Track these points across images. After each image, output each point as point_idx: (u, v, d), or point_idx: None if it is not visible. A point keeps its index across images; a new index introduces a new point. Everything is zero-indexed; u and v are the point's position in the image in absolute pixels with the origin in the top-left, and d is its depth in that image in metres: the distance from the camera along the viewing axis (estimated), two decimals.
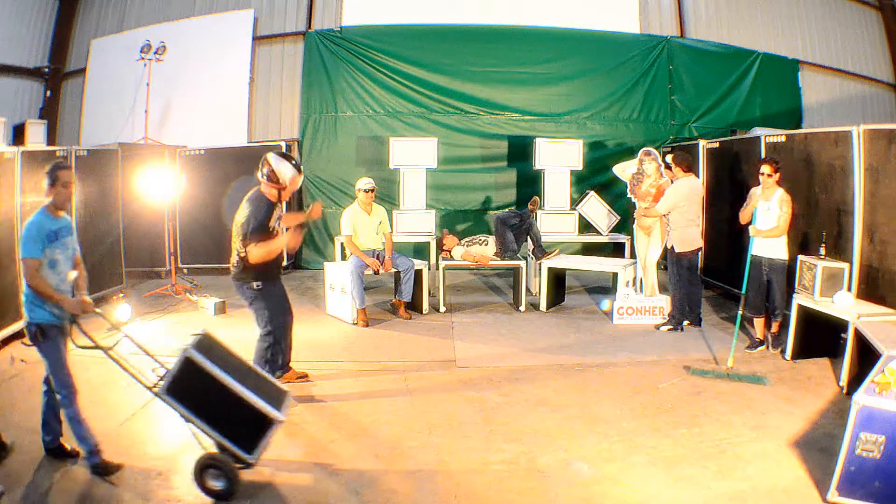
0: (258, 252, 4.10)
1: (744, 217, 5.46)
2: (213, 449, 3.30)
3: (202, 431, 3.27)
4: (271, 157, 4.28)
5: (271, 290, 4.35)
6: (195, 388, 3.27)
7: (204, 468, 3.20)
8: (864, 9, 10.95)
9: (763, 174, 5.28)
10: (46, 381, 3.57)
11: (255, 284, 4.23)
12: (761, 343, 5.55)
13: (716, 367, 5.09)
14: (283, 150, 8.74)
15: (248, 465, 3.30)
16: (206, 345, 3.44)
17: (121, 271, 7.59)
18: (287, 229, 4.40)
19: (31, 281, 3.37)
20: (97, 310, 3.59)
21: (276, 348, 4.39)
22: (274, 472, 3.46)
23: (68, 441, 3.59)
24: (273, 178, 4.23)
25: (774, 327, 5.62)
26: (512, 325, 6.34)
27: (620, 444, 3.76)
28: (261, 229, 4.14)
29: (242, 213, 4.19)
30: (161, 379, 3.32)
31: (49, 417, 3.60)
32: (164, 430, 4.01)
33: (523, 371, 5.04)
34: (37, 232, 3.40)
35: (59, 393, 3.43)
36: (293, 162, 4.30)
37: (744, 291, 5.42)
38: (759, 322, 5.59)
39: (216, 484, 3.19)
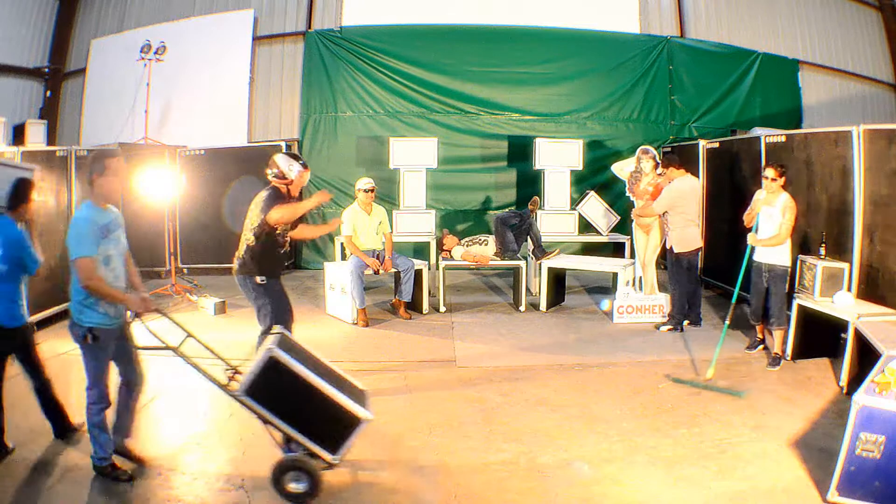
0: (279, 213, 4.14)
1: (748, 221, 5.26)
2: (281, 447, 3.23)
3: (282, 432, 3.17)
4: (278, 157, 4.36)
5: (274, 287, 4.36)
6: (277, 389, 3.14)
7: (284, 471, 3.11)
8: (864, 9, 10.95)
9: (767, 178, 5.04)
10: (126, 384, 3.49)
11: (258, 279, 4.25)
12: (762, 342, 5.44)
13: (695, 376, 4.87)
14: (284, 149, 8.76)
15: (331, 466, 3.20)
16: (288, 343, 3.33)
17: None
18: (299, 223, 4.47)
19: (88, 282, 3.15)
20: (159, 308, 3.44)
21: None
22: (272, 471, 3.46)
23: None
24: (281, 175, 4.30)
25: (769, 339, 5.31)
26: (512, 325, 6.34)
27: (620, 444, 3.76)
28: (278, 203, 4.20)
29: (257, 203, 4.26)
30: (231, 380, 3.27)
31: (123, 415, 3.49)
32: (164, 430, 4.01)
33: (523, 371, 5.04)
34: (88, 228, 3.15)
35: (94, 402, 3.29)
36: (301, 161, 4.37)
37: (734, 300, 5.27)
38: (760, 328, 5.46)
39: (298, 486, 3.11)
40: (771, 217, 5.06)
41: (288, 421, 3.13)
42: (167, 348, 3.34)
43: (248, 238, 4.27)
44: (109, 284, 3.23)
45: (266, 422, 3.17)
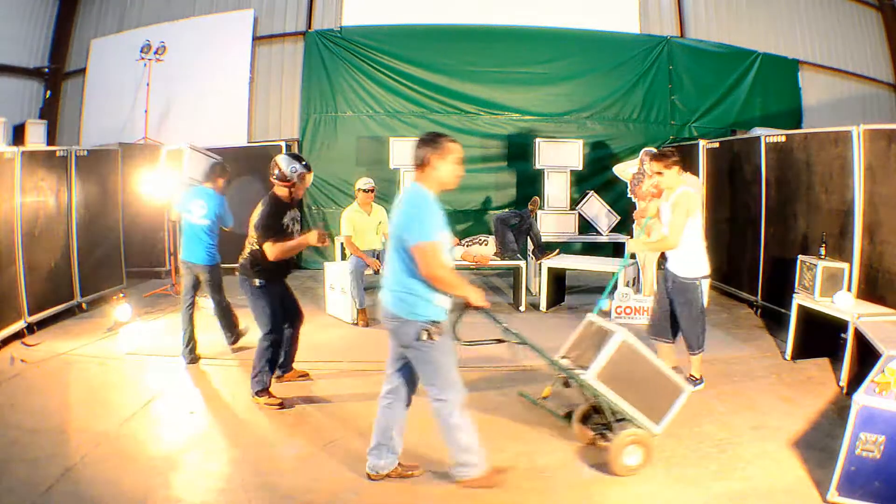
0: (274, 250, 4.12)
1: (638, 218, 4.48)
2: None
3: (618, 410, 3.37)
4: (280, 158, 4.31)
5: (275, 290, 4.35)
6: (621, 371, 3.34)
7: (623, 447, 3.32)
8: (864, 9, 10.95)
9: (653, 173, 4.37)
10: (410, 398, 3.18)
11: (256, 282, 4.24)
12: (693, 383, 4.46)
13: (538, 397, 4.25)
14: (284, 149, 8.76)
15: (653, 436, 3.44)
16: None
17: (121, 271, 7.59)
18: (301, 231, 4.43)
19: (435, 270, 2.82)
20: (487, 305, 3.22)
21: (278, 348, 4.39)
22: (272, 471, 3.46)
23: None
24: (283, 177, 4.25)
25: (693, 366, 4.53)
26: (512, 325, 6.28)
27: None
28: (275, 227, 4.17)
29: (257, 214, 4.25)
30: (569, 366, 3.49)
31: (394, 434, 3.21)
32: (164, 430, 4.01)
33: (523, 371, 5.04)
34: (433, 210, 2.85)
35: (443, 399, 3.03)
36: (303, 162, 4.34)
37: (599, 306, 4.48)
38: (662, 348, 4.53)
39: (632, 461, 3.35)
40: (666, 215, 4.37)
41: (628, 399, 3.36)
42: (500, 342, 3.68)
43: (252, 245, 4.26)
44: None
45: (608, 405, 3.35)
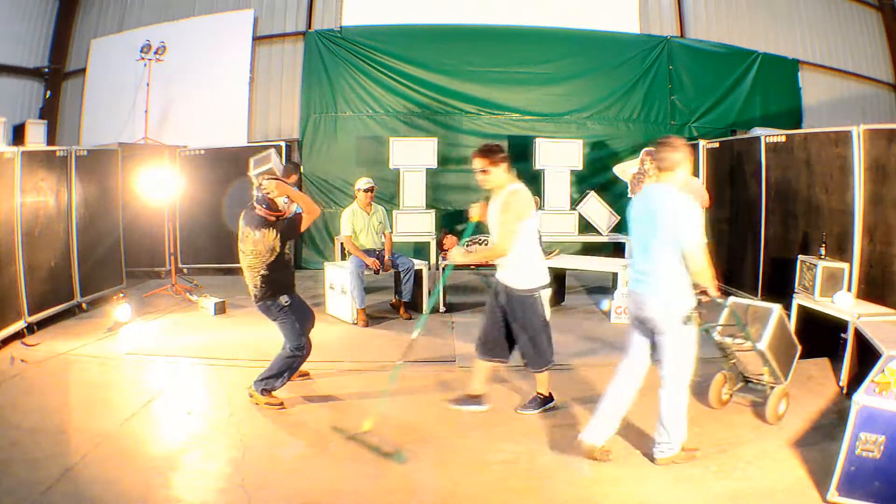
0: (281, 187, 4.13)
1: (473, 218, 4.03)
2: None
3: (776, 371, 4.01)
4: (270, 184, 4.13)
5: (296, 301, 4.35)
6: (779, 340, 4.06)
7: (777, 400, 3.98)
8: (863, 9, 10.95)
9: (476, 171, 3.87)
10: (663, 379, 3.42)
11: (283, 300, 4.20)
12: (473, 400, 4.07)
13: (356, 430, 3.86)
14: (284, 149, 8.76)
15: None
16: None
17: (121, 271, 7.59)
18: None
19: (705, 264, 3.23)
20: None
21: (302, 359, 4.37)
22: (272, 471, 3.47)
23: None
24: (276, 209, 4.15)
25: (539, 384, 4.11)
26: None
27: (620, 444, 3.76)
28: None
29: (253, 234, 4.14)
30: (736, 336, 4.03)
31: None
32: (164, 430, 4.01)
33: (523, 371, 5.03)
34: (698, 212, 3.25)
35: (680, 378, 3.37)
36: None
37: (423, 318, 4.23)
38: (480, 366, 4.14)
39: (781, 409, 4.00)
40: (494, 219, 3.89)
41: (778, 361, 4.01)
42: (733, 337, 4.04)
43: (258, 270, 4.15)
44: None
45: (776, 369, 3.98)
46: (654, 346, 3.41)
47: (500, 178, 3.85)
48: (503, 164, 3.84)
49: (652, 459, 3.47)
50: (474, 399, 4.17)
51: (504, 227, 3.73)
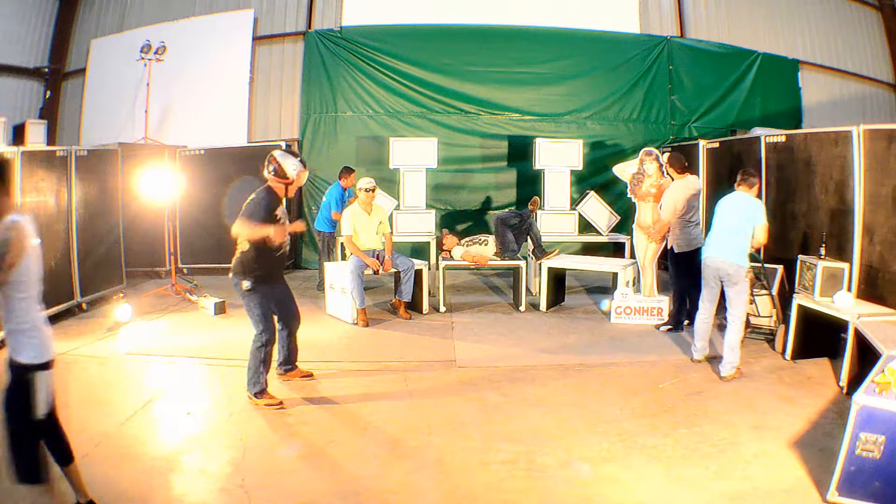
0: (240, 228, 4.08)
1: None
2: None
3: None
4: (277, 154, 4.31)
5: (267, 291, 4.31)
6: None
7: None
8: (864, 9, 10.96)
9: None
10: None
11: (244, 284, 4.21)
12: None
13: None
14: (284, 149, 8.75)
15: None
16: None
17: (121, 271, 7.59)
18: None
19: (767, 238, 4.87)
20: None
21: (269, 349, 4.36)
22: (272, 471, 3.47)
23: None
24: (280, 173, 4.25)
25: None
26: (512, 325, 6.34)
27: (620, 444, 3.76)
28: (262, 214, 4.14)
29: (248, 202, 4.23)
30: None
31: None
32: (164, 430, 4.01)
33: (523, 371, 5.04)
34: (763, 207, 4.78)
35: (739, 314, 4.73)
36: (298, 158, 4.35)
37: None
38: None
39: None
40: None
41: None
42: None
43: (241, 247, 4.22)
44: None
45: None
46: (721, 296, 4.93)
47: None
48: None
49: (720, 377, 4.78)
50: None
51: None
